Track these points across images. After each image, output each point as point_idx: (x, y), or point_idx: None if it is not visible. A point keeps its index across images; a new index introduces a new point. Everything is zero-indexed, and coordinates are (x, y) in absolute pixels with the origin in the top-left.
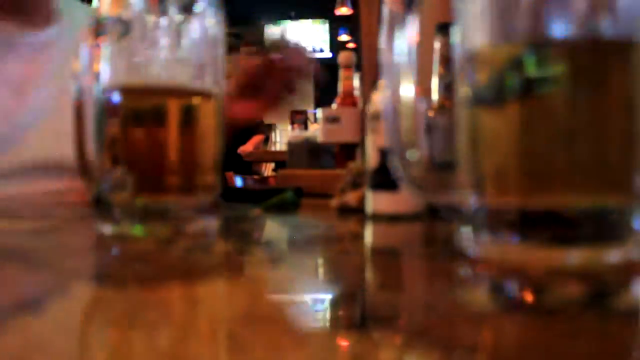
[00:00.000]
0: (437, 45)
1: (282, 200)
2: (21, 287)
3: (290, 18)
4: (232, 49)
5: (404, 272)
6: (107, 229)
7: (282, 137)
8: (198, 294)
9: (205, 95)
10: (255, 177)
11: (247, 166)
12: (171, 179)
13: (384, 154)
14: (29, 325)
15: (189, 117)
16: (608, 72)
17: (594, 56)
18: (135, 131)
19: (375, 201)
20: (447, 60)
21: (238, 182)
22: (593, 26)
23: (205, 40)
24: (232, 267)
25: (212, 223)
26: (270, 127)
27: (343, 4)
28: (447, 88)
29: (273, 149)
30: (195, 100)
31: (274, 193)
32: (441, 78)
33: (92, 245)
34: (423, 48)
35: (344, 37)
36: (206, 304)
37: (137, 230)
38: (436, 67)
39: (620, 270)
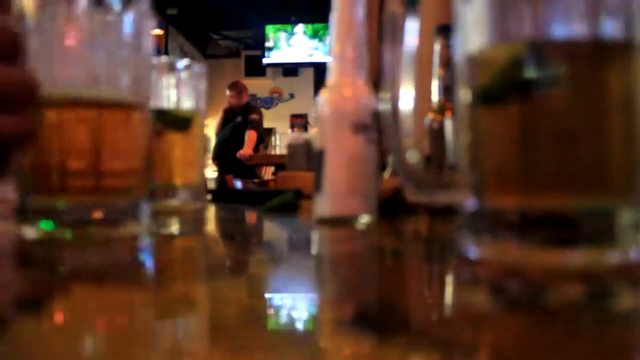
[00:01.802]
0: (437, 47)
1: (282, 201)
2: (15, 287)
3: (291, 22)
4: (232, 53)
5: (403, 273)
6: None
7: (282, 141)
8: (197, 293)
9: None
10: (255, 180)
11: (247, 170)
12: (90, 181)
13: None
14: (28, 325)
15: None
16: (608, 73)
17: (594, 57)
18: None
19: None
20: (447, 62)
21: (237, 185)
22: (593, 27)
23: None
24: (231, 268)
25: (141, 226)
26: (269, 131)
27: None
28: (447, 90)
29: (272, 152)
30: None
31: (274, 195)
32: (441, 80)
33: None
34: (423, 50)
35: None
36: (205, 304)
37: (67, 233)
38: (436, 69)
39: (619, 271)
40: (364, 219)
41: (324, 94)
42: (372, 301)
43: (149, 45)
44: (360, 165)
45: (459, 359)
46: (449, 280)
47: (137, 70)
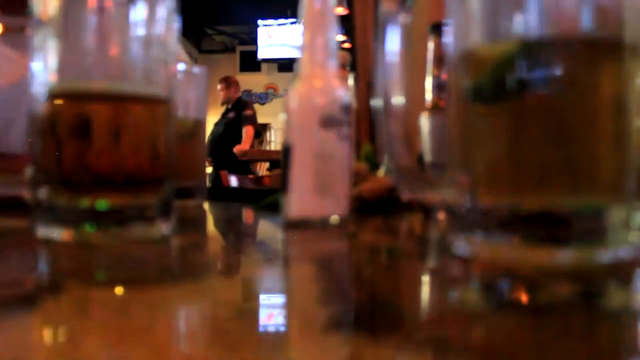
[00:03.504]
0: (430, 45)
1: (276, 199)
2: (13, 284)
3: (286, 16)
4: (227, 48)
5: (396, 272)
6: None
7: (277, 136)
8: (191, 292)
9: (152, 100)
10: (250, 176)
11: (242, 166)
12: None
13: None
14: (23, 323)
15: (130, 123)
16: (600, 73)
17: (586, 56)
18: (72, 139)
19: None
20: (440, 60)
21: (233, 181)
22: (585, 26)
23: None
24: (225, 266)
25: (166, 225)
26: (264, 127)
27: (339, 4)
28: (441, 88)
29: (268, 148)
30: (140, 107)
31: (268, 193)
32: (435, 78)
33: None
34: (416, 48)
35: (339, 37)
36: (198, 302)
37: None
38: (430, 67)
39: (610, 269)
40: (334, 221)
41: (293, 86)
42: (363, 300)
43: (174, 40)
44: (329, 163)
45: (450, 357)
46: (441, 278)
47: (164, 65)
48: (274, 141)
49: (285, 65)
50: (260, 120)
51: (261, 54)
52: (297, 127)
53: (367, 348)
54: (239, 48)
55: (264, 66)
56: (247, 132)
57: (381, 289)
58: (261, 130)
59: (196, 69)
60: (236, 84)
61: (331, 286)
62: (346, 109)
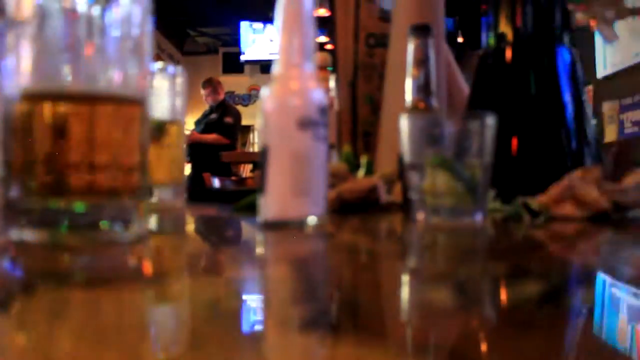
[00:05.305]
0: (410, 46)
1: (254, 200)
2: None
3: (268, 19)
4: (210, 50)
5: (374, 272)
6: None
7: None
8: (167, 293)
9: (127, 101)
10: (233, 178)
11: (224, 167)
12: (90, 182)
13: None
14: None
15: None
16: None
17: None
18: (45, 139)
19: None
20: (420, 61)
21: (215, 183)
22: None
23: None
24: (202, 267)
25: (141, 229)
26: (248, 129)
27: (321, 6)
28: (421, 89)
29: (250, 149)
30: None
31: (248, 193)
32: (414, 79)
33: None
34: (396, 49)
35: (322, 39)
36: (174, 303)
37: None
38: (410, 69)
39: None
40: (311, 222)
41: (268, 87)
42: (340, 300)
43: (148, 41)
44: (306, 164)
45: (429, 357)
46: (419, 277)
47: (137, 66)
48: (257, 143)
49: (268, 66)
50: (244, 122)
51: (244, 56)
52: (273, 129)
53: (344, 348)
54: (222, 50)
55: (246, 68)
56: (215, 138)
57: (358, 288)
58: (235, 144)
59: (172, 69)
60: (220, 85)
61: (307, 286)
62: (323, 110)
